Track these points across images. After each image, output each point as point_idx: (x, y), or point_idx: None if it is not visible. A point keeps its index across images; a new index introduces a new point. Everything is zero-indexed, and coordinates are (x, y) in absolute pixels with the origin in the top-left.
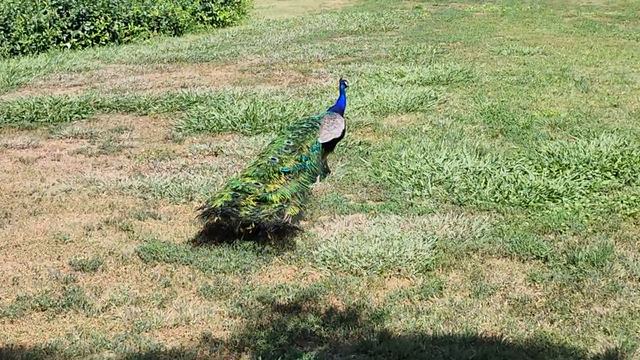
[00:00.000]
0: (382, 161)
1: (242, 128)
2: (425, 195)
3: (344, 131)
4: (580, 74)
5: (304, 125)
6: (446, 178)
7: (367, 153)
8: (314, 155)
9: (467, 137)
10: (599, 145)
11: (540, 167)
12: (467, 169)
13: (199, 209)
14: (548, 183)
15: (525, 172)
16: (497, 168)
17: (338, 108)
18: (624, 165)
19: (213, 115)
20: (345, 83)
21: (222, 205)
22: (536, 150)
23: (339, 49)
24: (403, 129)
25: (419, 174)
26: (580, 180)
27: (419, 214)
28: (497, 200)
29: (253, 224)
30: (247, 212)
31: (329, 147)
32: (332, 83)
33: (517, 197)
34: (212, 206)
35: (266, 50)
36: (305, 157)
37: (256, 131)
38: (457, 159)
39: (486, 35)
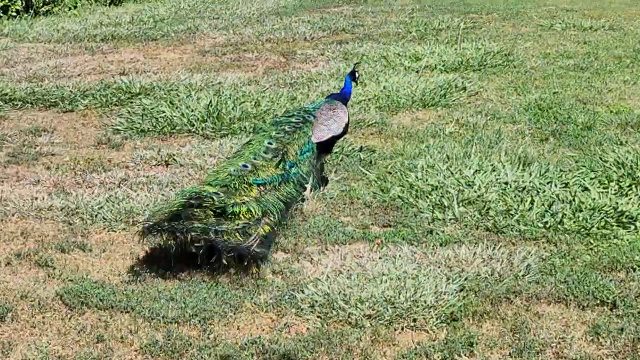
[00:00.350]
0: (390, 173)
1: (202, 129)
2: (450, 219)
3: (347, 125)
4: None
5: (293, 120)
6: (478, 196)
7: (371, 162)
8: (304, 160)
9: (506, 141)
10: None
11: (607, 182)
12: (506, 183)
13: (140, 223)
14: (617, 203)
15: (586, 189)
16: (548, 183)
17: (341, 96)
18: None
19: (163, 111)
20: (356, 73)
21: (170, 216)
22: (601, 159)
23: (333, 23)
24: (419, 130)
25: (441, 191)
26: None
27: (441, 245)
28: (548, 226)
29: (203, 241)
30: (201, 225)
31: (325, 146)
32: (324, 69)
33: (574, 222)
34: (156, 218)
35: (235, 25)
36: (290, 163)
37: (221, 133)
38: (493, 170)
39: (533, 4)
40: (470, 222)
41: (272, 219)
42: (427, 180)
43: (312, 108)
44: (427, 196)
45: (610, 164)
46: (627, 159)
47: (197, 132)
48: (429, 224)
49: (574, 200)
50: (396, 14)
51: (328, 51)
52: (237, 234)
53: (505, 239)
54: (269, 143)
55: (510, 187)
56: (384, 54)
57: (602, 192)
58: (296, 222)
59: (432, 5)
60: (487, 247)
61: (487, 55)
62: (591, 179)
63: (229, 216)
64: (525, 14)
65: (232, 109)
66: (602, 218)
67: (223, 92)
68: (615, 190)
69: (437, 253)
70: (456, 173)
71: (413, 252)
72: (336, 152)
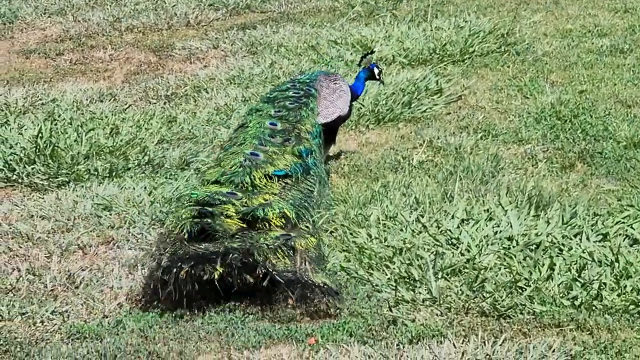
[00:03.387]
0: (327, 231)
1: (27, 175)
2: (425, 300)
3: (351, 104)
4: None
5: (291, 93)
6: (467, 261)
7: None
8: (315, 146)
9: (508, 172)
10: None
11: None
12: (510, 239)
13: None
14: None
15: (636, 241)
16: (575, 235)
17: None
18: None
19: None
20: (376, 70)
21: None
22: None
23: None
24: (371, 160)
25: (408, 255)
26: None
27: (410, 342)
28: (578, 303)
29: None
30: (234, 244)
31: (330, 132)
32: (219, 71)
33: (619, 296)
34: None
35: (76, 6)
36: (306, 150)
37: (58, 180)
38: (490, 219)
39: None
40: (456, 302)
41: (308, 226)
42: (385, 239)
43: (308, 79)
44: (386, 265)
45: None
46: None
47: (19, 180)
48: (390, 310)
49: (617, 260)
50: None
51: (224, 42)
52: (281, 249)
53: (511, 327)
54: (272, 124)
55: (517, 244)
56: (313, 42)
57: None
58: (178, 315)
59: None
60: (485, 342)
61: (474, 38)
62: None
63: (260, 221)
64: None
65: (75, 141)
66: None
67: (60, 115)
68: None
69: (405, 355)
70: (431, 226)
71: (367, 355)
72: None
